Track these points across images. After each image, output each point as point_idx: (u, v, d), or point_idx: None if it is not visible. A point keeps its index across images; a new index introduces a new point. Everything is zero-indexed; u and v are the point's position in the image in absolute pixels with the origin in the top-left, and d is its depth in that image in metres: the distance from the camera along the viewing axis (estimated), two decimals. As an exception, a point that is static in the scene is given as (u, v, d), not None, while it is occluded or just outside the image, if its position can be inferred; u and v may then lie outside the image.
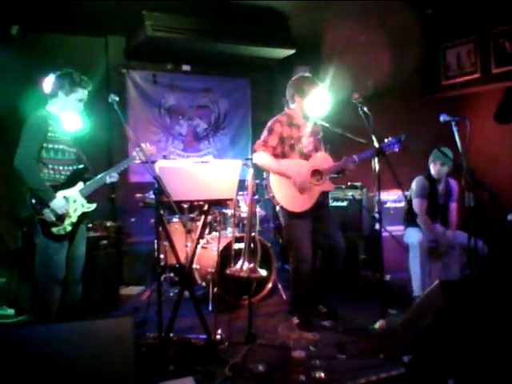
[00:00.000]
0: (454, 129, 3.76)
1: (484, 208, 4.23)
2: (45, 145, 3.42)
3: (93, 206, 3.61)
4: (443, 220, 4.77)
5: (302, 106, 4.04)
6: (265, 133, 4.04)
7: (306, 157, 4.04)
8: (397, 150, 3.86)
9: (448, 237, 4.63)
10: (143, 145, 3.74)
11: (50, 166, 3.46)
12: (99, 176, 3.63)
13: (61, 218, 3.41)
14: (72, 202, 3.49)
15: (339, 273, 4.19)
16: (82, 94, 3.59)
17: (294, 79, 4.14)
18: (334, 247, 4.05)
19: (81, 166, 3.64)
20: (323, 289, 4.26)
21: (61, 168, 3.51)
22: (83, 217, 3.59)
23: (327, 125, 4.12)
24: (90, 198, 3.60)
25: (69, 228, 3.46)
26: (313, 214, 3.99)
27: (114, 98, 3.36)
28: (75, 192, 3.52)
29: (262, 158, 3.95)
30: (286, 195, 3.96)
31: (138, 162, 3.81)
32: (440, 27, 6.13)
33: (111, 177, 3.66)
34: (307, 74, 4.20)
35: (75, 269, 3.60)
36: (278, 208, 4.05)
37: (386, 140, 3.84)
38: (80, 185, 3.57)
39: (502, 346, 2.75)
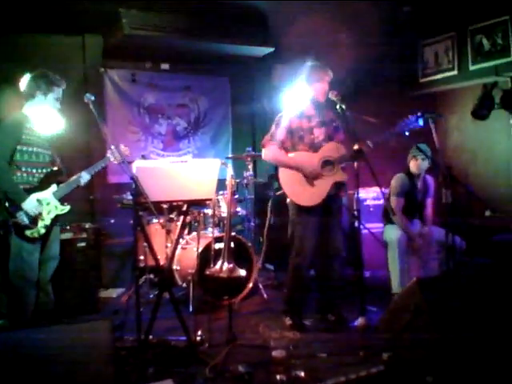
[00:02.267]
0: (431, 126, 3.80)
1: (462, 204, 4.29)
2: (19, 147, 3.40)
3: (66, 209, 3.59)
4: (421, 216, 4.82)
5: (313, 93, 3.96)
6: (273, 127, 3.99)
7: (316, 148, 3.93)
8: (418, 128, 3.79)
9: (424, 234, 4.67)
10: (114, 146, 3.66)
11: (24, 169, 3.44)
12: (72, 178, 3.61)
13: (34, 220, 3.39)
14: (45, 205, 3.47)
15: (339, 278, 4.13)
16: (58, 92, 3.60)
17: (307, 67, 4.05)
18: (331, 247, 4.00)
19: (55, 169, 3.62)
20: (328, 296, 4.13)
21: (34, 171, 3.49)
22: (56, 219, 3.57)
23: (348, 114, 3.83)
24: (63, 201, 3.58)
25: (42, 231, 3.44)
26: (323, 207, 3.89)
27: (89, 97, 3.32)
28: (49, 194, 3.50)
29: (271, 152, 3.93)
30: (295, 189, 3.90)
31: (115, 162, 3.76)
32: (418, 24, 6.16)
33: (84, 179, 3.64)
34: (313, 63, 4.10)
35: (48, 270, 3.60)
36: (288, 200, 4.01)
37: (405, 119, 3.78)
38: (53, 187, 3.55)
39: (481, 342, 2.78)
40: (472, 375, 2.73)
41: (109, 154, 3.69)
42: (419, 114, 3.77)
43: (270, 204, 5.48)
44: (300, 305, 4.07)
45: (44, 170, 3.54)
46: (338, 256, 4.06)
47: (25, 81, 3.57)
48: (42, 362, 2.44)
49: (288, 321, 3.99)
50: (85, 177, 3.63)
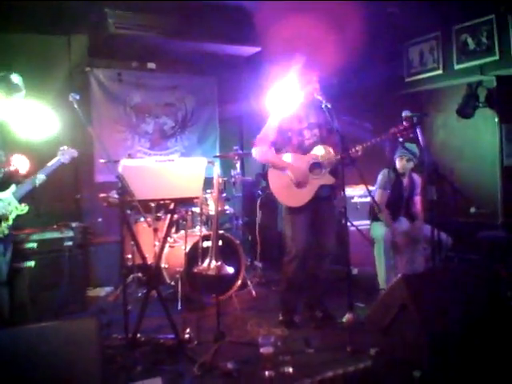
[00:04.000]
0: (416, 123, 3.83)
1: (447, 201, 4.33)
2: None
3: (25, 209, 3.59)
4: (407, 213, 4.86)
5: (304, 93, 3.97)
6: (264, 127, 4.03)
7: (306, 150, 3.95)
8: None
9: (414, 230, 4.71)
10: (65, 147, 3.77)
11: None
12: (28, 179, 3.61)
13: None
14: (7, 205, 3.46)
15: (327, 276, 4.15)
16: (19, 98, 3.54)
17: (292, 70, 4.10)
18: (321, 248, 4.01)
19: (12, 169, 3.59)
20: (315, 293, 4.15)
21: None
22: (16, 220, 3.56)
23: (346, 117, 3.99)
24: (22, 201, 3.58)
25: (6, 231, 3.45)
26: (313, 208, 3.93)
27: (74, 96, 3.31)
28: (9, 194, 3.50)
29: (260, 152, 3.97)
30: (282, 189, 3.93)
31: (66, 162, 3.80)
32: (403, 24, 6.21)
33: (39, 179, 3.65)
34: (303, 64, 4.18)
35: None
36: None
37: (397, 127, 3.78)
38: (13, 187, 3.55)
39: (467, 337, 2.81)
40: (459, 370, 2.76)
41: (59, 155, 3.74)
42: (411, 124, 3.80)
43: (258, 202, 5.50)
44: (292, 303, 4.09)
45: (2, 170, 3.51)
46: (328, 257, 4.08)
47: None
48: (26, 361, 2.42)
49: (280, 317, 4.03)
50: (40, 177, 3.64)
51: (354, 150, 3.77)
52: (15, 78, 3.51)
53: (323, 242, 4.00)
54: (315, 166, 3.94)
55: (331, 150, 3.94)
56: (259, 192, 5.59)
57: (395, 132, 3.79)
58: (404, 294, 2.87)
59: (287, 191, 3.93)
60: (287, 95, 4.05)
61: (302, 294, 4.13)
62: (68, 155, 3.74)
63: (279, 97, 4.10)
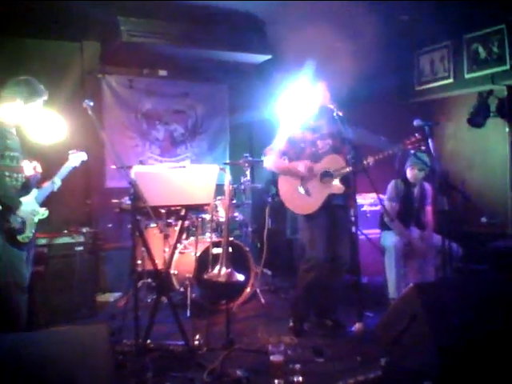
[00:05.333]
0: (428, 133, 3.82)
1: (458, 210, 4.32)
2: (3, 152, 3.34)
3: (46, 213, 3.59)
4: (418, 223, 4.84)
5: (315, 101, 3.98)
6: (276, 137, 4.06)
7: (318, 159, 3.97)
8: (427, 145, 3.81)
9: (424, 240, 4.69)
10: (74, 150, 3.77)
11: (7, 174, 3.37)
12: (47, 184, 3.61)
13: (24, 225, 3.38)
14: (31, 210, 3.46)
15: (341, 286, 4.14)
16: (39, 103, 3.54)
17: (299, 80, 4.10)
18: (337, 257, 3.97)
19: (33, 173, 3.59)
20: (327, 302, 4.13)
21: (15, 175, 3.44)
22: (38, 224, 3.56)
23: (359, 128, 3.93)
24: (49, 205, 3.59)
25: (30, 235, 3.43)
26: (328, 216, 3.92)
27: (88, 103, 3.33)
28: (32, 199, 3.49)
29: (271, 161, 4.03)
30: (292, 197, 3.97)
31: (77, 165, 3.80)
32: (414, 33, 6.22)
33: (57, 184, 3.66)
34: (311, 73, 4.15)
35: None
36: None
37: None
38: (34, 192, 3.54)
39: (478, 348, 2.79)
40: (470, 381, 2.74)
41: (70, 159, 3.74)
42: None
43: (267, 210, 5.50)
44: (305, 311, 4.08)
45: (22, 175, 3.50)
46: (344, 267, 4.05)
47: (9, 84, 3.49)
48: (37, 366, 2.43)
49: (290, 323, 4.01)
50: (57, 182, 3.65)
51: (365, 162, 3.77)
52: (38, 86, 3.50)
53: (339, 251, 3.98)
54: (325, 175, 3.95)
55: (342, 159, 3.94)
56: (269, 199, 5.59)
57: (407, 144, 3.78)
58: (415, 303, 2.85)
59: (297, 199, 3.95)
60: (298, 104, 4.05)
61: (314, 303, 4.11)
62: (78, 158, 3.76)
63: (290, 106, 4.10)
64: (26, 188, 3.49)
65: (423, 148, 3.84)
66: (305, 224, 3.99)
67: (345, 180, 3.94)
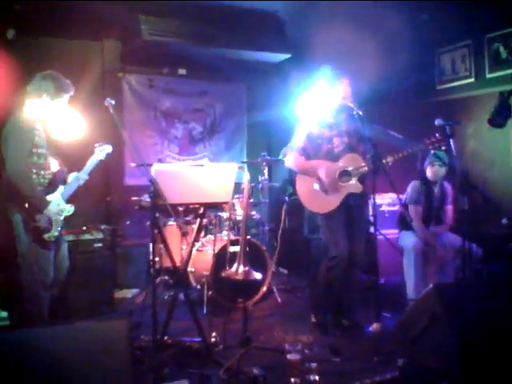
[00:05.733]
0: (449, 133, 3.78)
1: (478, 211, 4.26)
2: (30, 149, 3.35)
3: (72, 210, 3.59)
4: (438, 222, 4.79)
5: (336, 98, 3.95)
6: (294, 134, 4.06)
7: (336, 157, 3.96)
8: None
9: (441, 240, 4.65)
10: (99, 144, 3.77)
11: (35, 171, 3.39)
12: (73, 179, 3.61)
13: (51, 223, 3.39)
14: (57, 207, 3.46)
15: (358, 284, 4.12)
16: (66, 99, 3.55)
17: (322, 76, 4.02)
18: (353, 255, 3.94)
19: (59, 169, 3.59)
20: (344, 301, 4.08)
21: (42, 173, 3.45)
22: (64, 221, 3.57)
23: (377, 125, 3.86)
24: (70, 202, 3.60)
25: (56, 233, 3.44)
26: (345, 215, 3.93)
27: (110, 101, 3.34)
28: (58, 196, 3.50)
29: (291, 160, 4.03)
30: (310, 196, 3.97)
31: (102, 159, 3.82)
32: (435, 32, 6.15)
33: (83, 178, 3.67)
34: (333, 69, 4.06)
35: (61, 271, 3.59)
36: None
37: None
38: (61, 188, 3.55)
39: (497, 349, 2.76)
40: (489, 382, 2.71)
41: (96, 152, 3.74)
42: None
43: (284, 208, 5.49)
44: (326, 307, 4.07)
45: (49, 171, 3.51)
46: (359, 264, 4.04)
47: (34, 80, 3.49)
48: (57, 360, 2.45)
49: (313, 318, 4.01)
50: (83, 177, 3.65)
51: (385, 161, 3.75)
52: (64, 81, 3.51)
53: (355, 248, 3.96)
54: (344, 174, 3.94)
55: (360, 158, 3.94)
56: (286, 198, 5.58)
57: (428, 144, 3.75)
58: (435, 304, 2.83)
59: (315, 198, 3.95)
60: (317, 101, 4.02)
61: (332, 301, 4.09)
62: (104, 151, 3.75)
63: (309, 103, 4.08)
64: (52, 185, 3.50)
65: (443, 148, 3.80)
66: (324, 223, 3.99)
67: (361, 179, 3.93)
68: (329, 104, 3.99)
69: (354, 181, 3.92)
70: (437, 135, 3.75)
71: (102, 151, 3.76)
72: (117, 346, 2.55)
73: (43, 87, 3.43)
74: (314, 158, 3.99)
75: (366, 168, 3.86)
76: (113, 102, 3.35)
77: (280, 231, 5.24)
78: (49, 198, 3.42)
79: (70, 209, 3.56)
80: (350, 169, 3.93)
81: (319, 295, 4.10)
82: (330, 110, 4.01)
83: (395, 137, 3.78)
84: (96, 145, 3.76)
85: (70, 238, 4.39)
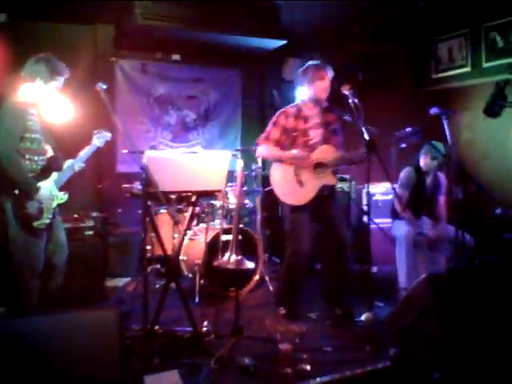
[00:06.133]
0: (445, 122, 3.75)
1: (472, 201, 4.25)
2: (22, 134, 3.27)
3: (65, 197, 3.52)
4: (430, 213, 4.77)
5: (313, 92, 3.96)
6: (269, 125, 4.04)
7: (310, 149, 3.94)
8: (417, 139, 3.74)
9: (438, 229, 4.64)
10: (97, 131, 3.70)
11: (27, 157, 3.31)
12: (67, 166, 3.54)
13: (41, 210, 3.32)
14: (49, 194, 3.39)
15: (349, 270, 4.07)
16: (60, 82, 3.47)
17: (305, 66, 4.04)
18: (337, 239, 3.96)
19: (52, 155, 3.50)
20: (337, 290, 4.07)
21: (36, 158, 3.37)
22: (58, 208, 3.51)
23: (348, 117, 3.94)
24: (61, 189, 3.53)
25: (47, 221, 3.36)
26: (314, 207, 3.92)
27: (101, 86, 3.27)
28: (51, 183, 3.43)
29: (264, 150, 4.01)
30: (284, 188, 3.94)
31: (101, 146, 3.75)
32: (432, 20, 6.10)
33: (78, 165, 3.60)
34: (314, 62, 4.05)
35: (59, 258, 3.52)
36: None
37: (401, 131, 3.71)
38: (54, 175, 3.47)
39: (489, 340, 2.75)
40: (480, 373, 2.70)
41: (94, 139, 3.68)
42: (417, 128, 3.70)
43: (260, 198, 5.43)
44: (293, 295, 4.06)
45: (43, 157, 3.42)
46: (346, 245, 4.00)
47: (27, 64, 3.41)
48: (48, 349, 2.44)
49: (282, 310, 3.97)
50: (79, 164, 3.58)
51: (361, 151, 3.73)
52: (59, 63, 3.43)
53: (335, 232, 3.96)
54: (319, 165, 3.92)
55: (334, 149, 3.93)
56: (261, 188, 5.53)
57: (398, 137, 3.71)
58: (427, 295, 2.82)
59: (288, 189, 3.91)
60: (298, 92, 4.04)
61: (299, 292, 4.11)
62: (103, 138, 3.68)
63: (293, 93, 4.08)
64: (46, 171, 3.42)
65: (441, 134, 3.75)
66: (290, 215, 3.95)
67: (335, 171, 3.97)
68: (309, 97, 3.98)
69: (328, 173, 3.92)
70: (406, 129, 3.71)
71: (99, 138, 3.69)
72: (107, 335, 2.54)
73: (36, 71, 3.36)
74: (288, 150, 3.96)
75: (340, 160, 3.89)
76: (104, 87, 3.28)
77: (258, 220, 5.16)
78: (41, 184, 3.35)
79: (63, 196, 3.50)
80: (325, 161, 3.91)
81: (283, 291, 4.11)
82: (306, 101, 4.01)
83: (367, 130, 3.68)
84: (95, 131, 3.69)
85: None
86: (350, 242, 4.04)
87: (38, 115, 3.45)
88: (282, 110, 4.06)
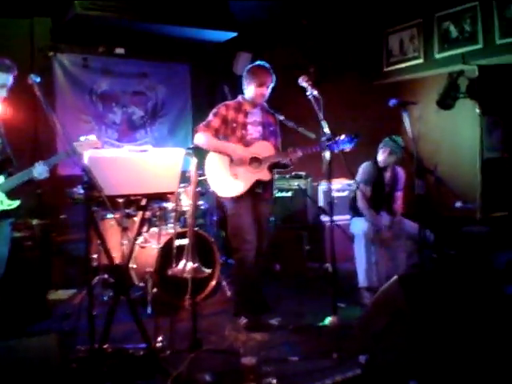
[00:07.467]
0: (405, 114, 3.63)
1: (432, 195, 4.18)
2: None
3: (15, 204, 3.17)
4: (389, 209, 4.68)
5: (252, 94, 4.00)
6: (210, 115, 4.04)
7: (247, 143, 3.98)
8: (348, 149, 3.66)
9: (393, 227, 4.53)
10: (82, 138, 3.21)
11: None
12: (24, 171, 3.14)
13: None
14: None
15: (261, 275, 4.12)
16: (5, 79, 3.14)
17: (250, 67, 4.07)
18: (260, 248, 3.98)
19: (3, 158, 3.18)
20: (259, 297, 4.09)
21: None
22: (3, 215, 3.15)
23: (282, 117, 4.04)
24: (12, 195, 3.17)
25: None
26: (251, 204, 3.94)
27: (34, 78, 2.95)
28: None
29: (202, 138, 3.95)
30: (218, 179, 3.93)
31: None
32: (382, 11, 6.02)
33: (38, 170, 3.15)
34: (259, 64, 4.07)
35: None
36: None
37: (337, 138, 3.60)
38: (1, 179, 3.15)
39: (463, 343, 2.63)
40: (455, 378, 2.57)
41: (77, 147, 3.10)
42: (353, 135, 3.68)
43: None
44: (252, 302, 3.96)
45: None
46: (263, 256, 4.08)
47: None
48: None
49: (243, 320, 3.83)
50: (39, 168, 3.12)
51: (288, 158, 3.87)
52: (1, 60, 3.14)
53: (260, 240, 3.98)
54: (255, 160, 3.94)
55: (272, 147, 4.00)
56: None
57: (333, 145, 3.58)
58: (399, 298, 2.67)
59: (222, 180, 3.92)
60: (245, 87, 4.04)
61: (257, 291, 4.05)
62: (88, 147, 3.11)
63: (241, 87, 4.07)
64: None
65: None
66: (232, 209, 3.94)
67: (270, 168, 3.96)
68: (251, 91, 4.00)
69: (263, 168, 3.93)
70: (343, 136, 3.66)
71: (83, 146, 3.13)
72: (48, 362, 2.27)
73: None
74: (225, 140, 3.98)
75: (275, 157, 3.93)
76: (37, 80, 2.96)
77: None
78: None
79: (10, 203, 3.15)
80: (260, 156, 3.92)
81: (239, 296, 4.02)
82: (250, 98, 4.03)
83: (306, 134, 3.77)
84: (82, 138, 3.19)
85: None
86: (266, 250, 4.10)
87: None
88: (224, 102, 4.13)
